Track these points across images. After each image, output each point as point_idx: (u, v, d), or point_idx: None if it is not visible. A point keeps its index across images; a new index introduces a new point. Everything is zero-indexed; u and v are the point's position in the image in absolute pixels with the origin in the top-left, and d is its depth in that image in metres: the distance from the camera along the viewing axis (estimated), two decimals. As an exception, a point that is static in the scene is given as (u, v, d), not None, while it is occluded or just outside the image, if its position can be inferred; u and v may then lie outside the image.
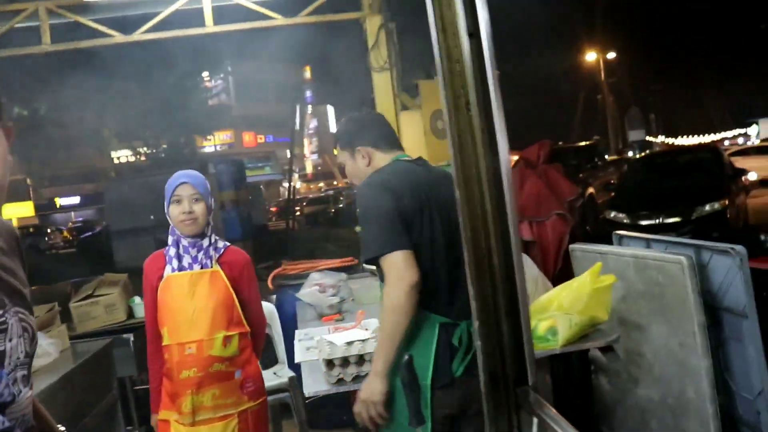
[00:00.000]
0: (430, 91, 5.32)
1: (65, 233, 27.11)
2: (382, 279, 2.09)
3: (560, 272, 4.43)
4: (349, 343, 2.65)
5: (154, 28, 4.94)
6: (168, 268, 2.57)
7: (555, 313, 2.72)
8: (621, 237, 3.62)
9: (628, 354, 3.16)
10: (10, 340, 1.12)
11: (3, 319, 1.12)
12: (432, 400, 2.01)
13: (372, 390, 2.03)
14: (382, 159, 2.26)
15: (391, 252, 2.01)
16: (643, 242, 3.42)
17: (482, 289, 1.29)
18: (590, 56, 34.08)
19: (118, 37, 4.86)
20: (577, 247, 3.61)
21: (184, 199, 2.53)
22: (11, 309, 1.14)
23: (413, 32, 5.87)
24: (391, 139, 2.34)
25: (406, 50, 5.94)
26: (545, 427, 1.19)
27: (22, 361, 1.15)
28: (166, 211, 2.57)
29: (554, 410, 1.20)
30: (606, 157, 17.52)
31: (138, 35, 4.90)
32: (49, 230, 26.68)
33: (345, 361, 2.57)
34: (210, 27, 4.92)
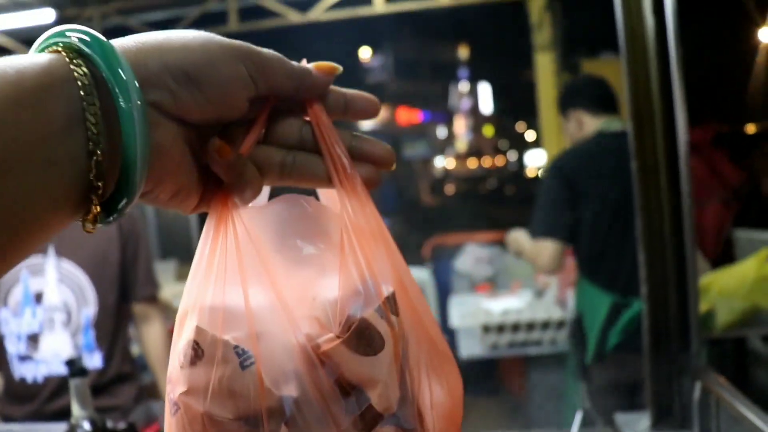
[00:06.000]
0: (594, 71, 5.23)
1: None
2: None
3: (718, 259, 4.25)
4: (505, 312, 2.77)
5: (328, 8, 5.24)
6: None
7: (715, 296, 2.67)
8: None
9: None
10: None
11: None
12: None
13: None
14: (592, 123, 2.26)
15: (546, 235, 2.18)
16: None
17: (652, 257, 1.36)
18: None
19: (295, 17, 5.20)
20: (742, 234, 3.46)
21: None
22: None
23: (578, 11, 5.77)
24: (603, 102, 2.29)
25: (570, 29, 5.84)
26: (709, 392, 1.24)
27: None
28: None
29: (721, 377, 1.25)
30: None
31: (313, 15, 5.22)
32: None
33: (500, 328, 2.70)
34: (379, 6, 5.13)
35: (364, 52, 20.30)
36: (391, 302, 0.43)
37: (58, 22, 5.29)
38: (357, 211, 0.44)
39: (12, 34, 5.46)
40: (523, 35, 5.76)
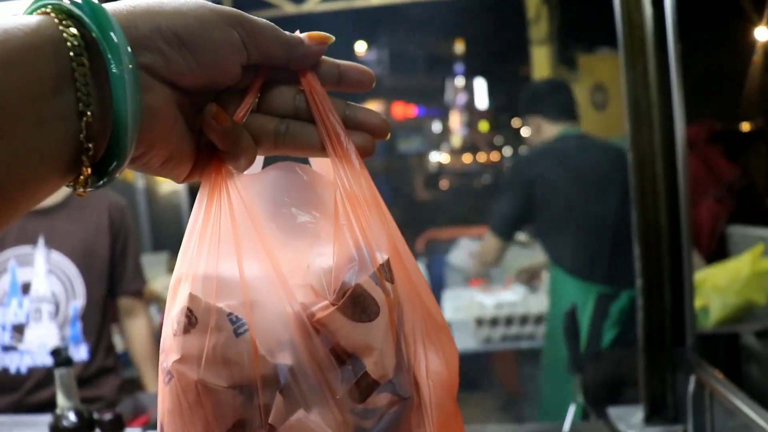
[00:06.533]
0: (590, 65, 5.22)
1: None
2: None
3: (712, 255, 4.27)
4: (499, 305, 2.76)
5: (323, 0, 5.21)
6: None
7: (708, 292, 2.67)
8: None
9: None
10: None
11: None
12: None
13: None
14: (550, 129, 2.29)
15: (491, 230, 2.36)
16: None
17: (648, 251, 1.35)
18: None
19: (290, 8, 5.17)
20: (736, 230, 3.46)
21: None
22: None
23: (575, 5, 5.74)
24: (562, 109, 2.31)
25: (567, 23, 5.83)
26: (703, 385, 1.23)
27: None
28: None
29: (715, 370, 1.24)
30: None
31: (308, 6, 5.19)
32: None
33: (494, 322, 2.69)
34: (375, -1, 5.10)
35: (359, 46, 20.26)
36: (385, 269, 0.42)
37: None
38: (351, 179, 0.43)
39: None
40: (520, 29, 5.74)
